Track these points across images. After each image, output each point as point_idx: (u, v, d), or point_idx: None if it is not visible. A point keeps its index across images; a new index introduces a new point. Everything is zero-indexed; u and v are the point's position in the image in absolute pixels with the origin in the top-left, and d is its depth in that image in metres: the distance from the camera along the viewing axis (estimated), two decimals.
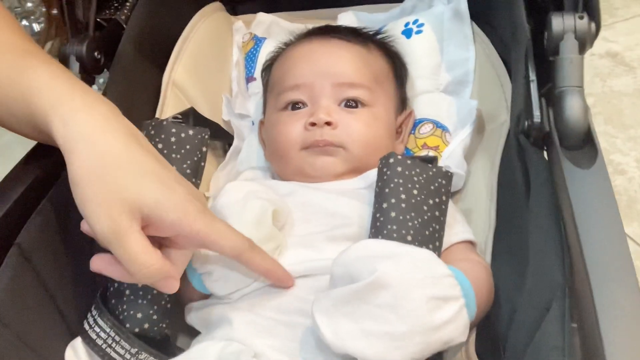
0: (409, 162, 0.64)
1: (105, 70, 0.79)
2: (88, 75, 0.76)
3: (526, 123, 0.63)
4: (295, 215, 0.68)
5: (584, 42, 0.61)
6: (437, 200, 0.63)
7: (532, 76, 0.63)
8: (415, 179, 0.63)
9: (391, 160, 0.64)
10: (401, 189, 0.63)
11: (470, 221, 0.71)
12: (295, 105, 0.77)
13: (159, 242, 0.57)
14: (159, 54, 0.85)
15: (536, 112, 0.61)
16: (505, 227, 0.68)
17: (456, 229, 0.67)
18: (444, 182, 0.65)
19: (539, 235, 0.57)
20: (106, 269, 0.56)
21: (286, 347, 0.59)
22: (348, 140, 0.73)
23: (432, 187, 0.64)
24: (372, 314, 0.52)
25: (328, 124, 0.73)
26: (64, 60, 0.75)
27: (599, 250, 0.50)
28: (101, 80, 0.79)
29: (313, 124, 0.73)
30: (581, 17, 0.60)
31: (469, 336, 0.63)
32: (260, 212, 0.63)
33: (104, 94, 0.75)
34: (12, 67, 0.58)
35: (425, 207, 0.62)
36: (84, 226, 0.56)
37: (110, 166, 0.53)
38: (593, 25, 0.61)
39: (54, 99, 0.55)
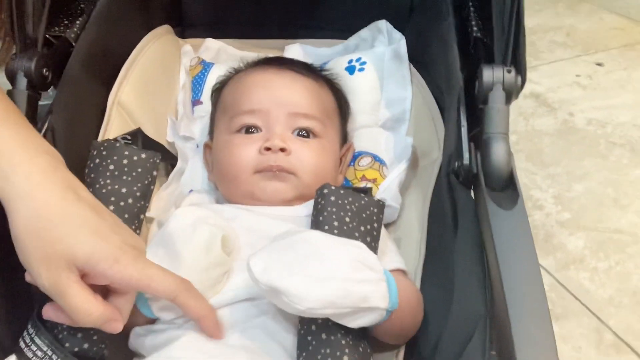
0: (342, 192, 0.68)
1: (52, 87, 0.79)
2: (34, 92, 0.76)
3: (456, 164, 0.68)
4: (241, 239, 0.70)
5: (511, 94, 0.67)
6: (368, 227, 0.68)
7: (463, 122, 0.69)
8: (348, 207, 0.68)
9: (325, 190, 0.68)
10: (334, 216, 0.67)
11: (402, 251, 0.75)
12: (249, 129, 0.80)
13: (105, 288, 0.59)
14: (106, 73, 0.85)
15: (465, 155, 0.67)
16: (434, 259, 0.72)
17: (389, 258, 0.71)
18: (375, 210, 0.69)
19: (463, 268, 0.62)
20: (56, 317, 0.59)
21: None
22: (300, 167, 0.77)
23: (364, 215, 0.68)
24: (300, 261, 0.58)
25: (282, 150, 0.76)
26: (11, 76, 0.75)
27: (517, 284, 0.55)
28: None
29: (268, 149, 0.76)
30: (509, 71, 0.66)
31: (397, 356, 0.68)
32: (209, 238, 0.64)
33: (50, 112, 0.75)
34: None
35: (356, 234, 0.67)
36: (28, 277, 0.58)
37: (46, 221, 0.55)
38: (519, 78, 0.67)
39: None
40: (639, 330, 1.08)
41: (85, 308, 0.56)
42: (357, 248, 0.62)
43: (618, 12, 1.99)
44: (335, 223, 0.66)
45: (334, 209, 0.67)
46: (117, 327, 0.59)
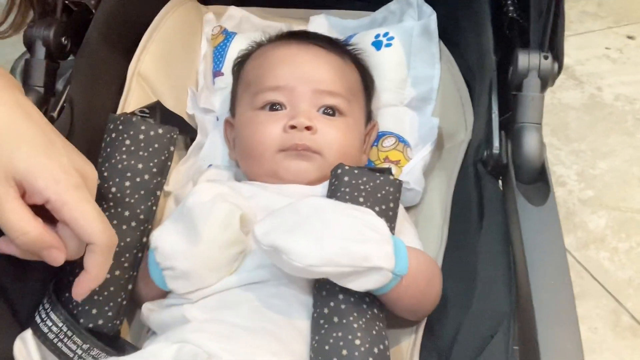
0: (356, 171, 0.68)
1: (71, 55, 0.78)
2: (53, 61, 0.75)
3: (485, 152, 0.66)
4: (258, 218, 0.68)
5: (546, 81, 0.64)
6: (383, 207, 0.67)
7: (495, 108, 0.66)
8: (362, 187, 0.67)
9: (339, 170, 0.68)
10: (347, 197, 0.66)
11: (422, 236, 0.74)
12: (273, 106, 0.78)
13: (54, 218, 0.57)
14: (126, 42, 0.83)
15: (495, 144, 0.65)
16: (456, 248, 0.71)
17: (406, 239, 0.68)
18: (391, 189, 0.68)
19: (488, 263, 0.61)
20: (7, 248, 0.57)
21: (242, 351, 0.60)
22: (325, 147, 0.75)
23: (378, 195, 0.67)
24: (301, 222, 0.58)
25: (308, 128, 0.74)
26: (29, 44, 0.73)
27: (545, 285, 0.54)
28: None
29: (293, 127, 0.75)
30: (546, 57, 0.64)
31: (413, 346, 0.67)
32: (227, 215, 0.63)
33: (69, 82, 0.74)
34: None
35: None
36: None
37: None
38: (556, 65, 0.64)
39: None
40: None
41: (20, 225, 0.53)
42: (362, 213, 0.61)
43: None
44: (349, 203, 0.65)
45: (348, 189, 0.66)
46: (58, 257, 0.55)
